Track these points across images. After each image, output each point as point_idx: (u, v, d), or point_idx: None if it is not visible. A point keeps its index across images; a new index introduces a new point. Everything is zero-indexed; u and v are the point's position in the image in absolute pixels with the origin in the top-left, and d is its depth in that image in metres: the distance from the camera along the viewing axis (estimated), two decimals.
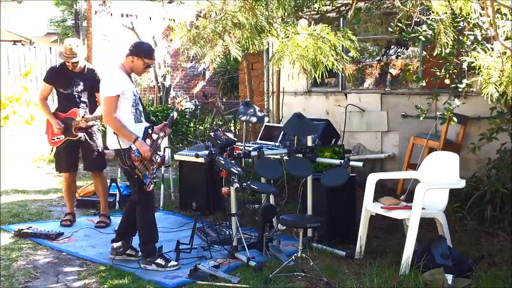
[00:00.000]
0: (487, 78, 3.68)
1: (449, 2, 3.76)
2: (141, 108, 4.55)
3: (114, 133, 4.35)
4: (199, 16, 4.30)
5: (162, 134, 4.54)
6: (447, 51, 4.34)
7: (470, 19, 4.39)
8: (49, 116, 5.47)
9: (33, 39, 19.62)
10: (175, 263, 4.43)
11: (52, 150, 5.67)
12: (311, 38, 4.26)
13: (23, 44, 17.74)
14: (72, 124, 5.44)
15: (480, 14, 4.32)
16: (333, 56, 4.37)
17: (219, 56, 4.62)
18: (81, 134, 5.47)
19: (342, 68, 4.53)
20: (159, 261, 4.39)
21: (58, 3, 21.68)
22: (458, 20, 4.50)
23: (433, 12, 4.10)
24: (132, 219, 4.56)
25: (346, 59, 4.61)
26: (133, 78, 4.65)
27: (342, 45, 4.60)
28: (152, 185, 4.40)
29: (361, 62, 8.72)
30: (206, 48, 4.48)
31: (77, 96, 5.51)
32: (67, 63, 5.42)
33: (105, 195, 5.79)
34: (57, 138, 5.48)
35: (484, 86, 3.73)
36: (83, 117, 5.45)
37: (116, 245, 4.62)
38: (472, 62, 3.89)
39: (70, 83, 5.48)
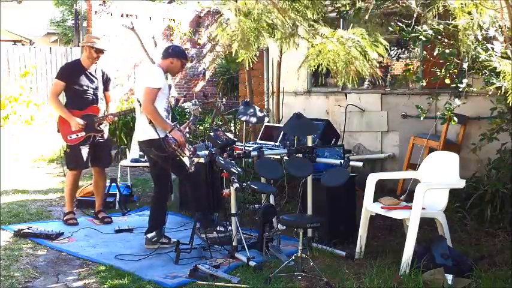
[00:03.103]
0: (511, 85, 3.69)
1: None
2: (170, 109, 4.95)
3: (150, 123, 4.60)
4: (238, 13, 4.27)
5: (187, 130, 4.92)
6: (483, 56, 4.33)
7: (472, 19, 4.39)
8: (66, 114, 5.45)
9: (33, 39, 19.64)
10: (155, 237, 4.90)
11: (68, 148, 5.60)
12: (339, 42, 4.22)
13: (23, 44, 17.73)
14: (95, 120, 5.51)
15: (480, 14, 4.32)
16: (363, 61, 4.33)
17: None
18: (104, 129, 5.63)
19: (373, 74, 4.49)
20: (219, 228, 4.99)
21: (58, 3, 21.71)
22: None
23: (454, 18, 4.10)
24: (163, 210, 4.96)
25: (376, 65, 4.58)
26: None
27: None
28: (193, 167, 4.71)
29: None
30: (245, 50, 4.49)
31: (92, 92, 5.57)
32: (92, 52, 5.49)
33: (103, 193, 5.93)
34: (77, 135, 5.48)
35: (509, 93, 3.74)
36: (111, 114, 5.61)
37: (150, 235, 4.87)
38: (496, 68, 3.90)
39: (85, 79, 5.55)
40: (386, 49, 4.44)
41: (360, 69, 4.32)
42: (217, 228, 4.98)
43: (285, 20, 4.08)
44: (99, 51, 5.54)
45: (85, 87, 5.53)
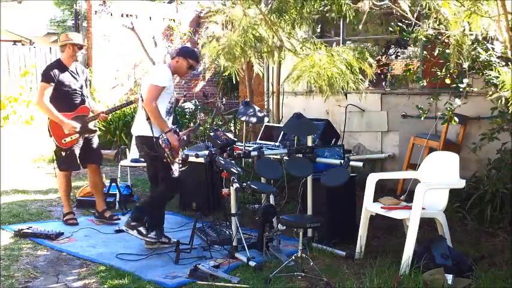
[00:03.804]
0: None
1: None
2: (172, 109, 4.88)
3: (147, 120, 4.59)
4: (226, 27, 4.34)
5: (185, 137, 4.85)
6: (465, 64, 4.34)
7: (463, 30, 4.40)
8: (58, 118, 5.36)
9: (33, 39, 19.62)
10: (154, 235, 4.70)
11: (63, 151, 5.52)
12: (328, 56, 4.25)
13: (23, 44, 17.72)
14: (87, 121, 5.51)
15: (469, 24, 4.33)
16: (348, 75, 4.36)
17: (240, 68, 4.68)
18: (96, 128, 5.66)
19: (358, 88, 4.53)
20: (141, 229, 4.65)
21: (58, 3, 21.70)
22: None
23: (446, 28, 4.11)
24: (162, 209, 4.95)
25: (362, 80, 4.61)
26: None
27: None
28: (177, 172, 4.66)
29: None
30: (230, 62, 4.54)
31: (80, 92, 5.54)
32: (75, 49, 5.45)
33: (103, 191, 5.92)
34: (71, 138, 5.45)
35: (510, 103, 3.75)
36: (102, 112, 5.64)
37: (150, 234, 4.83)
38: (497, 77, 3.91)
39: (71, 79, 5.50)
40: (371, 65, 4.47)
41: (344, 84, 4.37)
42: (139, 228, 4.77)
43: (273, 33, 4.10)
44: (81, 47, 5.53)
45: (73, 87, 5.47)
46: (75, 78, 5.53)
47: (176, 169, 4.70)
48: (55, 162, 5.69)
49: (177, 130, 4.79)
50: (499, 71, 3.91)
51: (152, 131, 4.60)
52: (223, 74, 5.07)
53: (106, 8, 12.66)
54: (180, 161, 4.77)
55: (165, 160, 4.63)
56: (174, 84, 15.02)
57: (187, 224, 5.59)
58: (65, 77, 5.45)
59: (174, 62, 4.84)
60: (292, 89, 7.64)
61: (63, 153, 5.50)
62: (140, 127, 4.74)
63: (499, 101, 4.97)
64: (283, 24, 4.19)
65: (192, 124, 10.29)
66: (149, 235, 4.67)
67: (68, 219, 5.64)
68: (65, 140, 5.45)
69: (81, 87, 5.56)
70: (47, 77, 5.42)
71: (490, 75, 3.99)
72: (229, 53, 4.36)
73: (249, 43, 4.25)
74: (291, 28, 4.27)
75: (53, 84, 5.39)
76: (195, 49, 5.04)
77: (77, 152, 5.54)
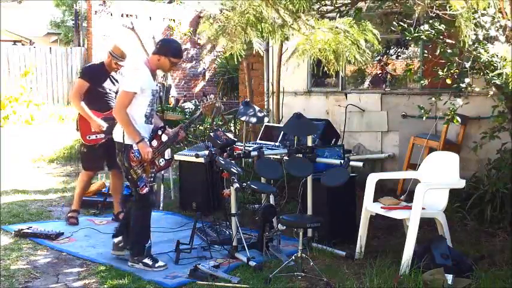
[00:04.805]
0: None
1: None
2: (155, 110, 4.56)
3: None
4: (224, 10, 4.28)
5: (171, 134, 4.52)
6: (469, 42, 4.29)
7: (473, 18, 4.39)
8: (87, 115, 5.40)
9: (33, 39, 19.65)
10: (163, 263, 4.41)
11: (84, 148, 5.57)
12: (332, 32, 4.19)
13: (23, 44, 17.75)
14: (115, 123, 5.49)
15: (482, 14, 4.32)
16: (355, 50, 4.30)
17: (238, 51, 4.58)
18: None
19: (365, 61, 4.45)
20: (146, 260, 4.39)
21: (58, 3, 21.70)
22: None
23: (450, 7, 4.09)
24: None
25: (368, 53, 4.55)
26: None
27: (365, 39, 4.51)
28: (146, 188, 4.35)
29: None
30: (229, 42, 4.45)
31: (114, 96, 5.57)
32: (112, 63, 5.49)
33: (120, 194, 5.90)
34: (96, 136, 5.47)
35: (510, 80, 3.72)
36: None
37: (117, 239, 4.63)
38: (497, 67, 3.90)
39: (109, 82, 5.58)
40: (376, 37, 4.41)
41: (351, 58, 4.30)
42: (143, 261, 4.44)
43: (274, 12, 4.07)
44: (119, 66, 5.56)
45: (107, 90, 5.56)
46: (113, 83, 5.61)
47: (145, 185, 4.34)
48: (80, 160, 5.73)
49: (160, 133, 4.47)
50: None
51: (123, 137, 4.30)
52: (224, 56, 4.96)
53: (106, 8, 12.67)
54: (154, 171, 4.45)
55: (129, 177, 4.33)
56: (174, 85, 15.00)
57: (187, 224, 5.59)
58: (104, 80, 5.54)
59: (155, 60, 4.42)
60: (292, 88, 7.65)
61: (85, 150, 5.58)
62: (115, 131, 4.44)
63: (499, 99, 4.97)
64: (283, 2, 4.14)
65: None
66: (156, 264, 4.39)
67: (70, 217, 5.65)
68: (89, 137, 5.48)
69: (117, 92, 5.60)
70: (85, 74, 5.57)
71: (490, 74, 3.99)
72: (228, 33, 4.31)
73: (250, 23, 4.20)
74: (290, 7, 4.21)
75: (89, 82, 5.46)
76: (177, 41, 4.76)
77: (101, 152, 5.52)
